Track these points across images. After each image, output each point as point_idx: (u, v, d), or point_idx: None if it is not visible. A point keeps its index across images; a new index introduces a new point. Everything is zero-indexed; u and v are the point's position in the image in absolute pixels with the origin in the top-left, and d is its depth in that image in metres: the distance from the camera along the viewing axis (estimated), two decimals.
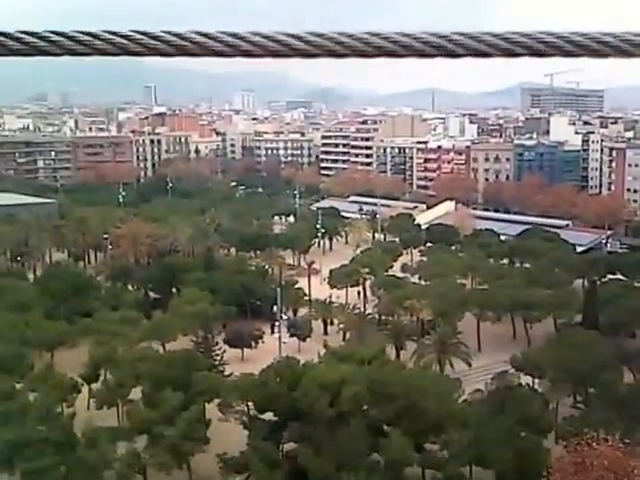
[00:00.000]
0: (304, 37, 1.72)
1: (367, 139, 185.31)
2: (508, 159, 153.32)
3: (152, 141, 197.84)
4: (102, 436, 37.16)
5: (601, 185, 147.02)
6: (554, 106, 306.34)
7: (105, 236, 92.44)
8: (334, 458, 30.95)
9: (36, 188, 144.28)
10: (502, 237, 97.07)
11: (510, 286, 65.25)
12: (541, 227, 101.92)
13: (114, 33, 1.73)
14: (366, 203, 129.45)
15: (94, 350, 50.49)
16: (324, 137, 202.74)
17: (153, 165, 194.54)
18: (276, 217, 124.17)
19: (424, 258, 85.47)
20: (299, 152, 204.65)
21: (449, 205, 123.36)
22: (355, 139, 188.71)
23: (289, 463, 34.33)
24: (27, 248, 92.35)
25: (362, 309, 68.68)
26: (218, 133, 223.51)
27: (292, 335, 61.07)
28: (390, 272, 77.78)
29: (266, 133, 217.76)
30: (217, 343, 54.56)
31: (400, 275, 77.01)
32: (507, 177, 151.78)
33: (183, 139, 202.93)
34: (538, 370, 47.67)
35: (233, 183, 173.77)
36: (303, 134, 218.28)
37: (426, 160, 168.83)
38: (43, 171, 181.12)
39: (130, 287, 77.00)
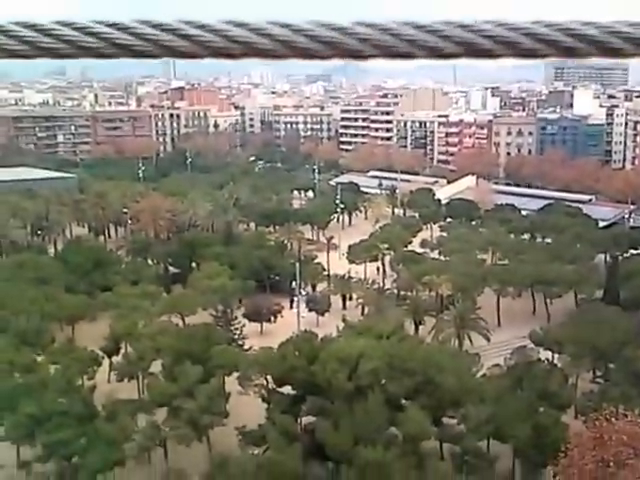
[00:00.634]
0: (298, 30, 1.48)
1: (387, 113, 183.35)
2: (531, 133, 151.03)
3: (171, 115, 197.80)
4: (122, 409, 37.70)
5: (625, 159, 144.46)
6: (578, 79, 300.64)
7: (125, 211, 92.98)
8: (352, 432, 31.06)
9: (56, 162, 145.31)
10: (523, 212, 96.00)
11: (531, 262, 64.67)
12: (563, 202, 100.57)
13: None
14: (386, 178, 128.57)
15: (114, 324, 51.10)
16: (343, 111, 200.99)
17: (172, 140, 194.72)
18: (295, 192, 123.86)
19: (444, 233, 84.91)
20: (318, 126, 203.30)
21: (470, 180, 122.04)
22: (375, 113, 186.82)
23: (307, 436, 34.57)
24: (47, 223, 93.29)
25: (381, 284, 68.57)
26: (237, 107, 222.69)
27: (311, 310, 61.20)
28: (409, 247, 77.39)
29: (285, 107, 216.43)
30: (236, 317, 54.86)
31: (419, 250, 76.62)
32: (529, 151, 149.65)
33: (202, 113, 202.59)
34: (558, 345, 47.37)
35: (252, 158, 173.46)
36: (322, 108, 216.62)
37: (447, 134, 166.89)
38: (63, 145, 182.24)
39: (150, 262, 77.54)
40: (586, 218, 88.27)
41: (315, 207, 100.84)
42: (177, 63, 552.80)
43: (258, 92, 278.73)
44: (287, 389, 37.84)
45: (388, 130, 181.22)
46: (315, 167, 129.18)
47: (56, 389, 38.16)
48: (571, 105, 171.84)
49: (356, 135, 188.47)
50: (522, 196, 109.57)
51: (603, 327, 45.79)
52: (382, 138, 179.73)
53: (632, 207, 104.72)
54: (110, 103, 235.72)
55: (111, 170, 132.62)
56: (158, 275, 69.85)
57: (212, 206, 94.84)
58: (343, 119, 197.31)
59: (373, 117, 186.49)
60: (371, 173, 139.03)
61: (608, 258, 74.41)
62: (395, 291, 65.87)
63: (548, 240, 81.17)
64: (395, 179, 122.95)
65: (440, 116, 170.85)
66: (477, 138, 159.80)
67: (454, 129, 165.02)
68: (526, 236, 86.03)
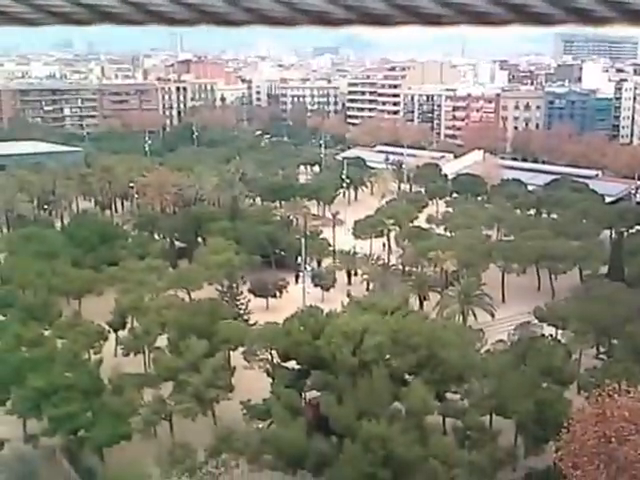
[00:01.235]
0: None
1: (394, 86, 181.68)
2: (538, 107, 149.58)
3: (178, 89, 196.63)
4: (128, 382, 38.10)
5: (632, 134, 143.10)
6: (587, 53, 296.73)
7: (131, 185, 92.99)
8: (356, 406, 31.37)
9: (63, 136, 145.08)
10: (530, 187, 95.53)
11: (536, 237, 64.49)
12: (570, 177, 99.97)
13: None
14: (392, 153, 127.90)
15: (121, 298, 51.40)
16: (351, 84, 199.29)
17: (179, 113, 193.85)
18: (301, 167, 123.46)
19: (450, 209, 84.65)
20: (325, 100, 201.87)
21: (477, 155, 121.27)
22: (382, 86, 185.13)
23: (311, 411, 34.92)
24: (54, 196, 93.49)
25: (386, 260, 68.60)
26: (244, 80, 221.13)
27: (316, 285, 61.39)
28: (415, 223, 77.26)
29: (292, 80, 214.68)
30: (242, 292, 55.09)
31: (425, 226, 76.51)
32: (537, 126, 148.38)
33: (209, 87, 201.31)
34: (562, 321, 47.49)
35: (258, 132, 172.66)
36: (329, 81, 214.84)
37: (455, 108, 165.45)
38: (69, 119, 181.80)
39: (156, 236, 77.74)
40: (592, 194, 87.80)
41: (321, 182, 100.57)
42: (184, 36, 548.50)
43: (265, 65, 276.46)
44: (292, 364, 38.14)
45: (395, 104, 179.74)
46: (321, 141, 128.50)
47: (63, 363, 38.51)
48: (579, 79, 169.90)
49: (363, 109, 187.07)
50: (529, 171, 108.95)
51: (607, 303, 45.80)
52: (389, 112, 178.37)
53: (639, 183, 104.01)
54: (117, 76, 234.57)
55: (118, 144, 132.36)
56: (164, 250, 70.05)
57: (218, 180, 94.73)
58: (350, 92, 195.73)
59: (380, 90, 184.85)
60: (378, 148, 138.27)
61: (614, 234, 74.16)
62: (400, 267, 65.94)
63: (554, 216, 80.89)
64: (401, 154, 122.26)
65: (448, 90, 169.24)
66: (485, 112, 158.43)
67: (461, 103, 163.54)
68: (532, 212, 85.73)
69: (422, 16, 1.34)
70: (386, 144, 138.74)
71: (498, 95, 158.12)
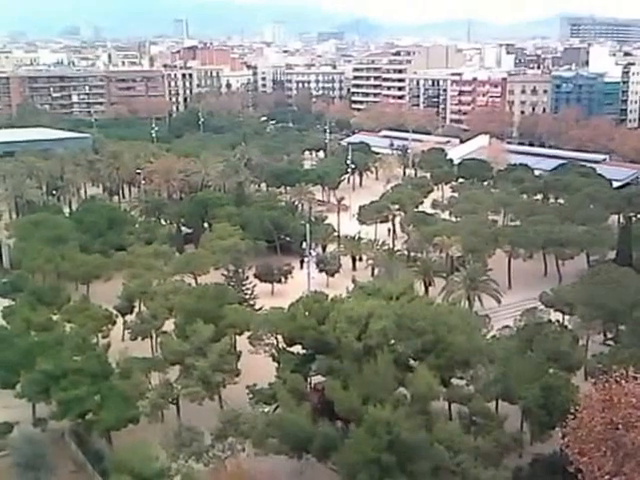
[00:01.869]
0: None
1: (400, 71, 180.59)
2: (545, 91, 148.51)
3: (184, 75, 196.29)
4: (136, 366, 38.34)
5: None
6: (594, 36, 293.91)
7: (138, 171, 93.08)
8: (361, 391, 31.43)
9: (71, 122, 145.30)
10: (536, 172, 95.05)
11: (543, 222, 64.25)
12: (577, 162, 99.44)
13: None
14: (397, 138, 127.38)
15: (128, 283, 51.68)
16: (356, 69, 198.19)
17: (185, 100, 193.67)
18: (306, 152, 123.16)
19: (455, 194, 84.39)
20: (330, 85, 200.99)
21: (483, 139, 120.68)
22: (387, 71, 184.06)
23: (316, 395, 35.05)
24: (62, 182, 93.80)
25: (391, 245, 68.55)
26: (249, 66, 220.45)
27: (321, 270, 61.44)
28: (420, 208, 77.11)
29: (297, 66, 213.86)
30: (247, 277, 55.21)
31: (430, 211, 76.33)
32: (544, 110, 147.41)
33: (214, 73, 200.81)
34: (569, 307, 47.35)
35: (264, 118, 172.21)
36: (334, 66, 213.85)
37: (460, 93, 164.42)
38: (77, 105, 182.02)
39: (163, 221, 77.95)
40: (599, 178, 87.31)
41: (326, 167, 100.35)
42: (190, 22, 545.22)
43: (270, 51, 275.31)
44: (297, 348, 38.25)
45: (400, 89, 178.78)
46: (326, 127, 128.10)
47: (71, 347, 38.80)
48: (586, 62, 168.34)
49: (368, 94, 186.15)
50: (535, 156, 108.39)
51: (615, 289, 45.57)
52: (394, 97, 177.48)
53: None
54: (124, 63, 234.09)
55: (125, 130, 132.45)
56: (171, 235, 70.29)
57: (224, 166, 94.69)
58: (355, 77, 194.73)
59: (385, 75, 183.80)
60: (383, 133, 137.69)
61: (621, 219, 73.80)
62: (405, 252, 65.88)
63: (561, 200, 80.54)
64: (407, 139, 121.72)
65: (453, 74, 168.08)
66: (491, 96, 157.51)
67: (467, 87, 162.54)
68: (539, 196, 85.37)
69: None
70: (391, 129, 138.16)
71: (504, 79, 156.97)
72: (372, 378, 31.85)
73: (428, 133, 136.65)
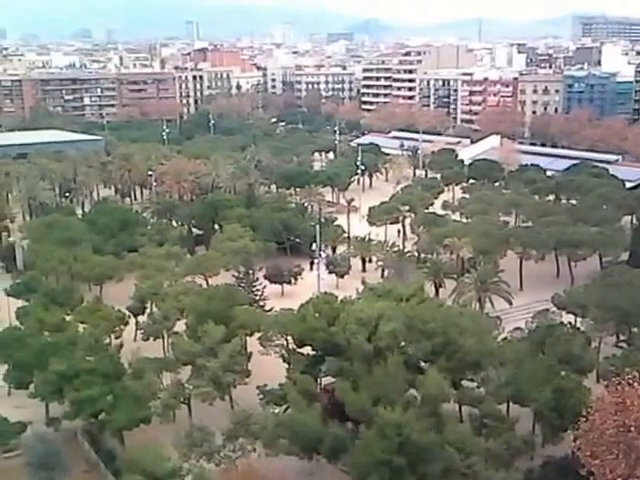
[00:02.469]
0: None
1: (410, 71, 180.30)
2: (557, 91, 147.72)
3: (194, 77, 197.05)
4: (148, 367, 38.58)
5: None
6: (606, 35, 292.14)
7: (150, 173, 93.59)
8: (371, 393, 31.46)
9: (83, 125, 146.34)
10: (548, 173, 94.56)
11: (555, 223, 63.93)
12: (589, 162, 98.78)
13: None
14: (407, 139, 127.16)
15: (140, 284, 52.01)
16: (365, 70, 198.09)
17: (195, 101, 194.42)
18: (316, 153, 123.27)
19: (466, 195, 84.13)
20: (340, 86, 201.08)
21: (494, 140, 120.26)
22: (397, 71, 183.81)
23: (326, 396, 35.12)
24: (75, 184, 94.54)
25: (401, 246, 68.47)
26: (259, 68, 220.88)
27: (331, 272, 61.52)
28: (430, 209, 76.96)
29: (307, 67, 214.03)
30: (258, 279, 55.39)
31: (441, 212, 76.16)
32: (555, 110, 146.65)
33: (225, 75, 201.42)
34: (581, 309, 47.08)
35: (273, 119, 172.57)
36: (344, 67, 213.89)
37: (471, 92, 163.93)
38: (89, 108, 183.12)
39: (174, 223, 78.33)
40: (612, 179, 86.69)
41: (336, 169, 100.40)
42: (201, 24, 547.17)
43: (280, 52, 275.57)
44: (307, 349, 38.34)
45: (410, 89, 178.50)
46: (336, 128, 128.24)
47: (84, 347, 39.17)
48: (599, 62, 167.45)
49: (378, 95, 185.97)
50: (547, 156, 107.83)
51: (628, 291, 45.31)
52: (404, 97, 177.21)
53: None
54: (135, 65, 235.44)
55: (136, 132, 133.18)
56: (182, 236, 70.65)
57: (234, 168, 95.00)
58: (365, 78, 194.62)
59: (395, 76, 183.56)
60: (393, 134, 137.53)
61: (634, 220, 73.32)
62: (415, 253, 65.78)
63: (573, 201, 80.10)
64: (417, 139, 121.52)
65: (464, 74, 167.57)
66: (502, 96, 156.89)
67: (478, 87, 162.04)
68: (551, 197, 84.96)
69: None
70: (401, 130, 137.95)
71: (516, 79, 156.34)
72: (382, 380, 31.87)
73: (438, 134, 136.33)
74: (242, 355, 40.35)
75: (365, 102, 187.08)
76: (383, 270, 62.60)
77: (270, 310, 47.99)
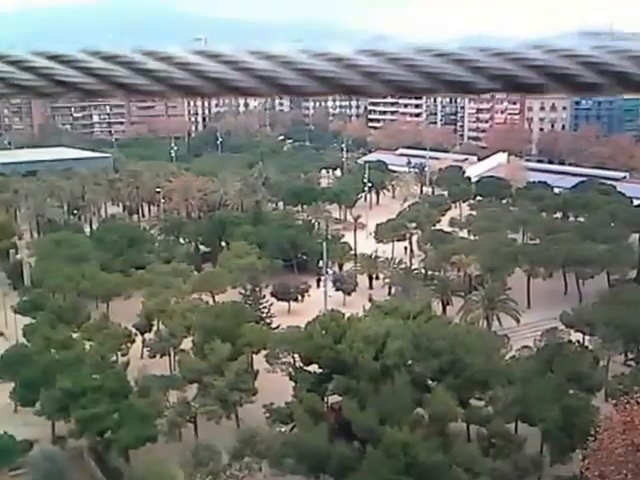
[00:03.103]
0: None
1: None
2: (564, 108, 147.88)
3: None
4: (154, 385, 38.54)
5: None
6: None
7: (158, 190, 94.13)
8: (378, 412, 31.33)
9: (92, 142, 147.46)
10: (556, 190, 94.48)
11: (563, 241, 63.70)
12: (597, 179, 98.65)
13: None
14: (415, 156, 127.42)
15: (147, 301, 52.09)
16: None
17: (204, 119, 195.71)
18: (323, 171, 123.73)
19: (473, 212, 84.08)
20: (347, 103, 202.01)
21: (501, 157, 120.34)
22: None
23: (333, 415, 34.98)
24: (83, 201, 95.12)
25: (408, 264, 68.37)
26: None
27: (338, 289, 61.43)
28: (438, 226, 76.91)
29: None
30: (264, 296, 55.38)
31: (448, 229, 76.08)
32: (563, 127, 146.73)
33: None
34: (589, 327, 46.82)
35: (281, 137, 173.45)
36: None
37: (478, 110, 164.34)
38: (98, 125, 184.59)
39: (182, 240, 78.56)
40: (620, 196, 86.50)
41: (343, 186, 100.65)
42: (209, 41, 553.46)
43: None
44: (314, 367, 38.23)
45: (417, 106, 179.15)
46: (343, 145, 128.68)
47: (91, 365, 39.17)
48: None
49: (385, 112, 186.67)
50: (555, 173, 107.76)
51: (636, 308, 45.08)
52: (411, 114, 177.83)
53: None
54: None
55: (145, 150, 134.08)
56: (189, 253, 70.83)
57: (242, 185, 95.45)
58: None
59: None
60: (400, 151, 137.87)
61: None
62: (423, 271, 65.63)
63: (581, 219, 79.92)
64: (424, 157, 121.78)
65: None
66: (509, 113, 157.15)
67: (485, 105, 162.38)
68: (558, 215, 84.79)
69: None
70: (408, 147, 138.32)
71: (523, 96, 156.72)
72: (389, 398, 31.74)
73: (446, 151, 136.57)
74: (248, 373, 40.27)
75: (372, 120, 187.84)
76: (390, 287, 62.47)
77: (277, 327, 47.94)
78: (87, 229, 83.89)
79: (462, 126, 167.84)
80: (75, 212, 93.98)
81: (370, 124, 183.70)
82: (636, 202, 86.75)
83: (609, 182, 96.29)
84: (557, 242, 63.57)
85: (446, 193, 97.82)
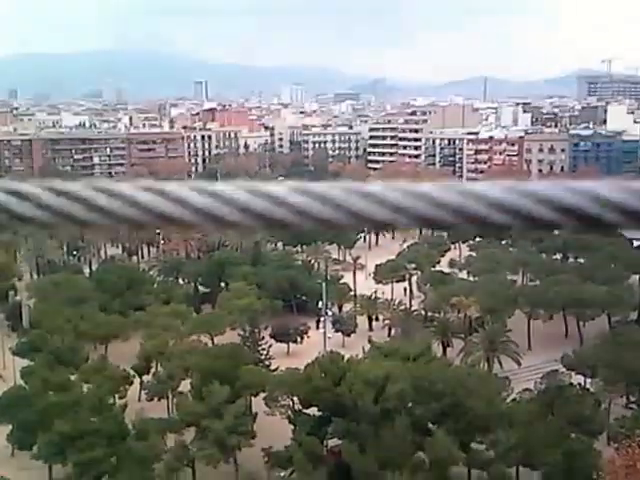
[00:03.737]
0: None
1: (416, 131, 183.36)
2: (563, 150, 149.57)
3: (203, 137, 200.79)
4: (152, 428, 38.13)
5: None
6: (612, 94, 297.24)
7: (157, 231, 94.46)
8: (378, 455, 30.97)
9: None
10: (555, 231, 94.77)
11: (563, 282, 63.66)
12: None
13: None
14: None
15: (146, 343, 51.86)
16: (372, 129, 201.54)
17: (204, 160, 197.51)
18: None
19: (473, 253, 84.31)
20: (347, 145, 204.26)
21: None
22: (403, 131, 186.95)
23: (333, 459, 34.55)
24: (83, 243, 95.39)
25: (408, 305, 68.25)
26: (267, 127, 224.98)
27: (337, 330, 61.23)
28: (437, 267, 77.03)
29: (314, 126, 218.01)
30: (263, 337, 55.19)
31: (447, 270, 76.19)
32: (562, 168, 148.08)
33: (233, 134, 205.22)
34: (590, 369, 46.56)
35: (280, 178, 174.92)
36: (351, 127, 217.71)
37: (477, 151, 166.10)
38: (99, 167, 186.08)
39: (181, 281, 78.57)
40: (620, 237, 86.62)
41: None
42: (210, 84, 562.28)
43: (287, 112, 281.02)
44: (313, 410, 37.89)
45: (416, 148, 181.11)
46: None
47: (88, 408, 38.78)
48: (604, 121, 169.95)
49: (384, 154, 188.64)
50: None
51: (638, 350, 44.90)
52: (410, 156, 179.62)
53: None
54: (144, 125, 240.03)
55: None
56: (188, 295, 70.73)
57: None
58: (371, 137, 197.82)
59: (401, 135, 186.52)
60: None
61: None
62: (422, 312, 65.49)
63: (581, 260, 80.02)
64: None
65: (470, 133, 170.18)
66: (508, 155, 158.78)
67: (484, 146, 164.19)
68: (558, 256, 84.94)
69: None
70: None
71: (522, 138, 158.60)
72: (390, 442, 31.43)
73: None
74: (247, 416, 39.89)
75: (371, 161, 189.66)
76: (390, 329, 62.27)
77: (276, 369, 47.61)
78: (87, 270, 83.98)
79: (461, 167, 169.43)
80: (75, 253, 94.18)
81: (369, 165, 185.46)
82: (636, 243, 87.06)
83: None
84: (557, 283, 63.53)
85: (445, 234, 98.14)
